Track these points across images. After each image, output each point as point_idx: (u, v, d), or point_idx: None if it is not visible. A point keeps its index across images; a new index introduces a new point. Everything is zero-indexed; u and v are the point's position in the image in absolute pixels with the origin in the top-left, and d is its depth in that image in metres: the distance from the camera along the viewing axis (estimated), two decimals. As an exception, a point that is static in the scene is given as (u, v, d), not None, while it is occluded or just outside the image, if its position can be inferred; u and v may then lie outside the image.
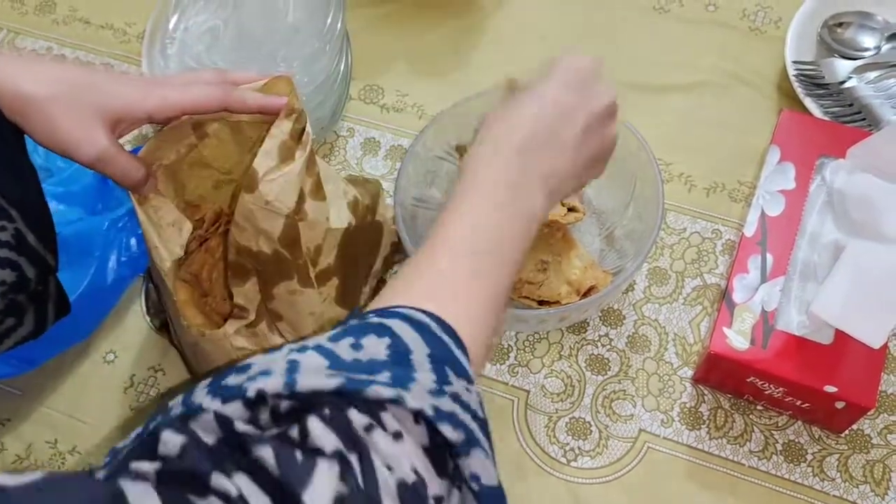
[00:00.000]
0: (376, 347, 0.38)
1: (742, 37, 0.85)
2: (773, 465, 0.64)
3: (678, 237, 0.74)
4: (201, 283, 0.64)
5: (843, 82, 0.77)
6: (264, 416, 0.35)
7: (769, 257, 0.65)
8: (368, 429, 0.34)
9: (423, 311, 0.41)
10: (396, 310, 0.41)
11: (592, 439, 0.66)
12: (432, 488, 0.34)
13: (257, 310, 0.60)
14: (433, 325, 0.41)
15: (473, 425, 0.37)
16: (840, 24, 0.81)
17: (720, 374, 0.65)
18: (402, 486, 0.33)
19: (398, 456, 0.34)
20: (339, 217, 0.61)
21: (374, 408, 0.35)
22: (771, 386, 0.62)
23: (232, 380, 0.36)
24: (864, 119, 0.75)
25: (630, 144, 0.67)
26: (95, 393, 0.70)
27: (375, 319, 0.40)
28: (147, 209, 0.56)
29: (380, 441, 0.34)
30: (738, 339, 0.61)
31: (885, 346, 0.61)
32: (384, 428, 0.34)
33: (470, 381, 0.40)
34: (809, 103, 0.76)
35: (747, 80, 0.82)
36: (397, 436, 0.34)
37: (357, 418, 0.34)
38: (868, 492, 0.62)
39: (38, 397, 0.70)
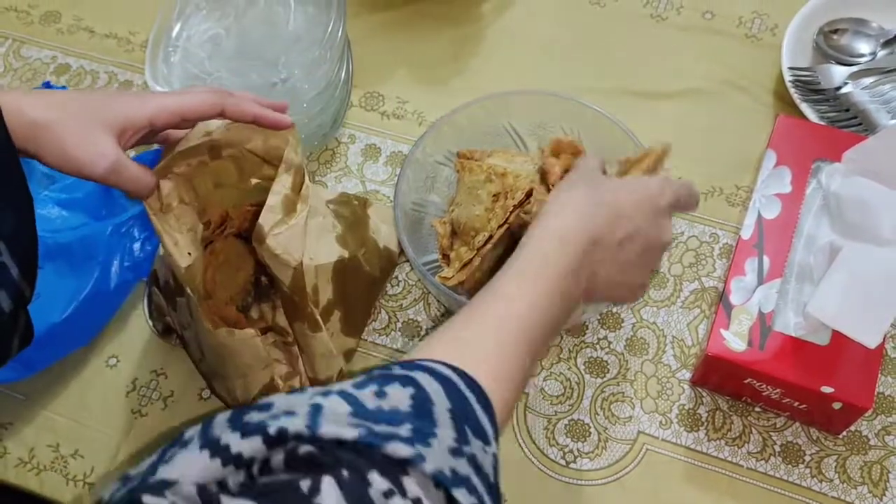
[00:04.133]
0: (400, 397, 0.39)
1: (738, 44, 0.86)
2: (771, 467, 0.64)
3: (676, 241, 0.75)
4: (206, 284, 0.64)
5: (838, 88, 0.78)
6: (278, 457, 0.35)
7: (766, 260, 0.65)
8: (388, 495, 0.34)
9: (449, 366, 0.42)
10: (421, 362, 0.42)
11: (591, 441, 0.66)
12: None
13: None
14: (458, 381, 0.41)
15: (485, 494, 0.37)
16: (835, 31, 0.82)
17: (718, 376, 0.65)
18: None
19: None
20: (329, 252, 0.64)
21: (394, 470, 0.34)
22: (768, 387, 0.62)
23: (254, 416, 0.36)
24: (859, 124, 0.76)
25: (627, 150, 0.68)
26: (98, 397, 0.71)
27: (400, 371, 0.41)
28: (168, 217, 0.59)
29: None
30: (735, 340, 0.62)
31: (882, 347, 0.61)
32: (404, 494, 0.34)
33: (487, 441, 0.40)
34: (805, 109, 0.77)
35: (744, 87, 0.82)
36: (416, 503, 0.34)
37: (378, 482, 0.34)
38: (866, 493, 0.63)
39: (41, 401, 0.71)
